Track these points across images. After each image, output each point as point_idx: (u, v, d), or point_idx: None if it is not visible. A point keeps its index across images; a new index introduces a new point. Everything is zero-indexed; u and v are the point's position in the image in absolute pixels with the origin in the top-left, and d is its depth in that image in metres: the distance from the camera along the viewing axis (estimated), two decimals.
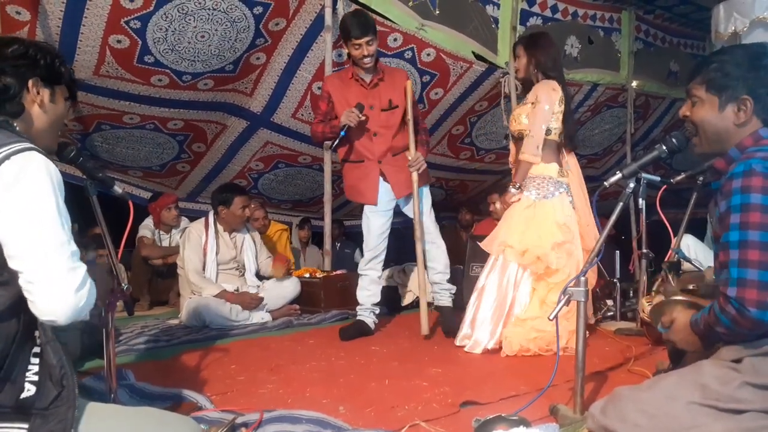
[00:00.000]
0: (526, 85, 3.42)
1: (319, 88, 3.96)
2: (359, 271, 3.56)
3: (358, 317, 3.57)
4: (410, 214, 3.47)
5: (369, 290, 3.55)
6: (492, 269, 3.22)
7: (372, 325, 3.56)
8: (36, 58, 1.46)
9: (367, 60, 3.30)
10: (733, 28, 3.93)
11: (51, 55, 1.50)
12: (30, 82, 1.45)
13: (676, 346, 1.80)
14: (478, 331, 3.13)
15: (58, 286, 1.27)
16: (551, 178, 3.22)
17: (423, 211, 3.46)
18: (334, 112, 3.40)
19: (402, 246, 4.07)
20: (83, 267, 1.33)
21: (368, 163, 3.43)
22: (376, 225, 3.47)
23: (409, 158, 3.38)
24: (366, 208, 3.48)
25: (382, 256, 3.55)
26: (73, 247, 1.32)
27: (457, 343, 3.19)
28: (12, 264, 1.27)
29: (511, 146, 3.53)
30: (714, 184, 1.69)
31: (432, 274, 3.62)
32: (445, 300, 3.62)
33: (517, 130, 3.28)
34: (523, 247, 3.11)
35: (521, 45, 3.40)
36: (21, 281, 1.27)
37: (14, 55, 1.44)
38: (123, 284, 2.04)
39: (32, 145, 1.34)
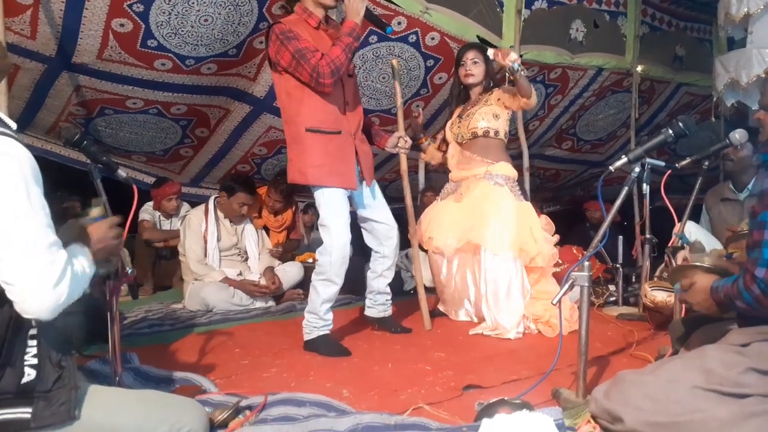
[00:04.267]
0: (462, 94, 3.56)
1: None
2: (330, 278, 2.81)
3: (323, 333, 2.88)
4: (361, 209, 3.04)
5: (333, 301, 2.92)
6: (491, 262, 3.27)
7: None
8: None
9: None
10: (745, 9, 3.89)
11: None
12: None
13: (691, 308, 1.78)
14: (504, 321, 3.19)
15: (34, 286, 1.23)
16: (515, 180, 3.45)
17: (384, 204, 3.10)
18: None
19: (405, 231, 4.06)
20: (62, 258, 1.28)
21: (346, 136, 2.83)
22: (346, 214, 2.83)
23: (404, 138, 3.12)
24: (337, 193, 2.81)
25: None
26: (50, 237, 1.28)
27: (473, 331, 3.24)
28: None
29: (455, 148, 3.56)
30: (764, 156, 1.65)
31: (383, 283, 3.17)
32: (387, 310, 3.26)
33: (483, 128, 3.38)
34: (534, 250, 3.23)
35: (481, 53, 3.48)
36: (1, 282, 1.24)
37: None
38: (127, 268, 2.05)
39: (1, 129, 1.28)
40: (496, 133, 3.40)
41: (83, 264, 1.39)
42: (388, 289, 3.21)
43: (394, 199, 5.70)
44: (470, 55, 3.48)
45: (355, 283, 3.63)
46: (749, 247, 1.56)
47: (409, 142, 3.18)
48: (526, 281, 3.29)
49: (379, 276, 3.15)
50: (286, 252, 4.77)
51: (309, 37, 2.72)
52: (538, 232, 3.30)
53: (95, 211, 1.75)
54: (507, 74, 3.31)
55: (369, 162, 3.01)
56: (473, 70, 3.46)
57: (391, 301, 3.26)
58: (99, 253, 1.48)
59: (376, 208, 3.07)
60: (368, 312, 3.25)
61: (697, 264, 1.83)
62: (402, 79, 3.39)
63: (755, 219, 1.53)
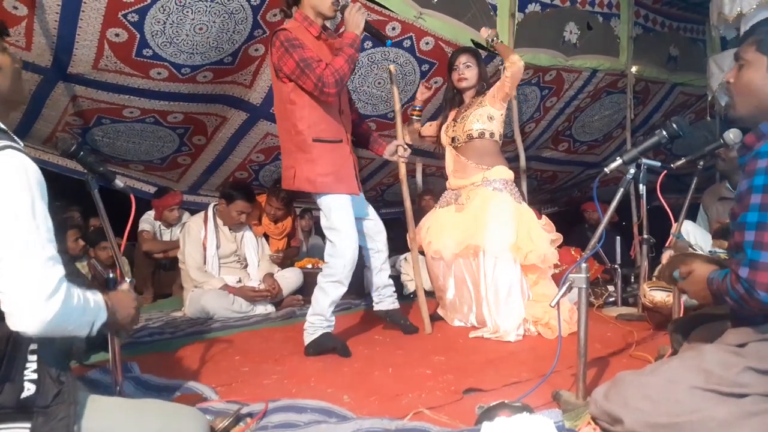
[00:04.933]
0: (457, 98, 3.61)
1: None
2: (340, 279, 2.87)
3: (326, 331, 2.93)
4: (354, 212, 3.03)
5: (337, 303, 2.98)
6: (491, 265, 3.27)
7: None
8: None
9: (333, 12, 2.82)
10: (738, 9, 3.90)
11: None
12: None
13: (687, 295, 1.79)
14: (504, 323, 3.19)
15: (25, 295, 1.23)
16: (512, 181, 3.47)
17: (368, 204, 3.18)
18: None
19: (403, 236, 4.06)
20: (58, 274, 1.28)
21: (345, 144, 2.92)
22: (353, 217, 2.92)
23: (402, 146, 3.20)
24: (344, 198, 2.89)
25: None
26: (49, 252, 1.28)
27: (473, 334, 3.25)
28: None
29: (451, 152, 3.60)
30: (740, 158, 1.66)
31: (384, 276, 3.24)
32: (395, 302, 3.32)
33: (478, 130, 3.42)
34: (528, 248, 3.24)
35: (473, 56, 3.55)
36: None
37: None
38: (127, 278, 2.05)
39: (10, 143, 1.30)
40: (491, 134, 3.43)
41: (88, 297, 1.38)
42: (391, 281, 3.27)
43: (391, 203, 5.71)
44: (463, 59, 3.52)
45: (354, 288, 3.64)
46: (732, 248, 1.59)
47: (408, 150, 3.24)
48: (525, 284, 3.30)
49: (380, 271, 3.21)
50: (287, 259, 4.79)
51: (311, 46, 2.75)
52: (538, 233, 3.31)
53: (125, 285, 1.82)
54: (491, 48, 3.58)
55: (357, 168, 3.07)
56: (466, 73, 3.49)
57: (396, 294, 3.32)
58: (113, 318, 1.46)
59: (365, 208, 3.15)
60: (378, 307, 3.28)
61: (698, 252, 1.83)
62: (398, 84, 3.43)
63: (735, 221, 1.56)
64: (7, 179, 1.25)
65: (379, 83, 4.68)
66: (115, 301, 1.48)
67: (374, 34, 2.94)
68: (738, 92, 1.68)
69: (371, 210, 3.19)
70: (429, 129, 3.75)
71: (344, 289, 2.91)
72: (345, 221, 2.86)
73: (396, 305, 3.30)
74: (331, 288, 2.89)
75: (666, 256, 1.91)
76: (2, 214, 1.24)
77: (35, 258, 1.25)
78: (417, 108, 3.70)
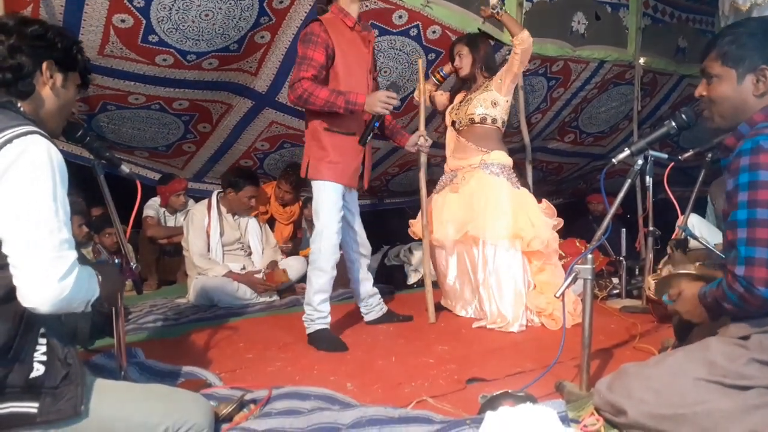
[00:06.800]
0: (468, 82, 3.60)
1: None
2: (320, 266, 2.89)
3: (320, 327, 2.92)
4: (347, 212, 3.09)
5: (327, 292, 2.97)
6: (492, 254, 3.26)
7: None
8: (54, 41, 1.48)
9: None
10: None
11: (69, 41, 1.52)
12: (44, 64, 1.46)
13: (682, 318, 1.80)
14: (506, 313, 3.19)
15: (40, 273, 1.26)
16: (511, 168, 3.48)
17: (358, 213, 3.19)
18: (333, 70, 2.83)
19: (407, 225, 4.06)
20: (72, 257, 1.32)
21: (358, 137, 2.94)
22: (339, 206, 2.94)
23: (424, 137, 3.22)
24: (336, 187, 2.91)
25: None
26: (65, 235, 1.31)
27: (476, 325, 3.25)
28: (3, 247, 1.28)
29: (452, 134, 3.63)
30: (723, 161, 1.68)
31: (368, 286, 3.27)
32: (383, 308, 3.35)
33: (480, 115, 3.42)
34: (531, 235, 3.24)
35: (465, 45, 3.57)
36: (10, 266, 1.28)
37: (33, 35, 1.45)
38: (132, 263, 2.06)
39: (36, 129, 1.33)
40: (494, 120, 3.43)
41: (91, 277, 1.42)
42: (375, 290, 3.31)
43: (395, 193, 5.70)
44: (456, 50, 3.57)
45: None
46: (726, 248, 1.60)
47: (430, 141, 3.26)
48: (528, 272, 3.30)
49: (360, 281, 3.23)
50: (293, 250, 4.83)
51: (343, 39, 2.84)
52: (537, 217, 3.32)
53: (103, 256, 1.87)
54: (495, 16, 3.43)
55: (370, 163, 3.12)
56: (460, 63, 3.54)
57: (382, 298, 3.35)
58: (103, 289, 1.49)
59: (355, 216, 3.17)
60: (367, 318, 3.32)
61: (682, 272, 1.84)
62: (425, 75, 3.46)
63: (726, 220, 1.57)
64: (33, 162, 1.29)
65: (385, 72, 4.65)
66: (104, 278, 1.51)
67: (369, 128, 2.88)
68: (713, 105, 1.70)
69: (359, 222, 3.18)
70: (441, 97, 3.77)
71: (326, 276, 2.91)
72: (327, 209, 2.89)
73: (384, 309, 3.34)
74: (313, 276, 2.92)
75: (666, 271, 1.91)
76: (25, 194, 1.27)
77: (52, 239, 1.28)
78: (442, 74, 3.73)
